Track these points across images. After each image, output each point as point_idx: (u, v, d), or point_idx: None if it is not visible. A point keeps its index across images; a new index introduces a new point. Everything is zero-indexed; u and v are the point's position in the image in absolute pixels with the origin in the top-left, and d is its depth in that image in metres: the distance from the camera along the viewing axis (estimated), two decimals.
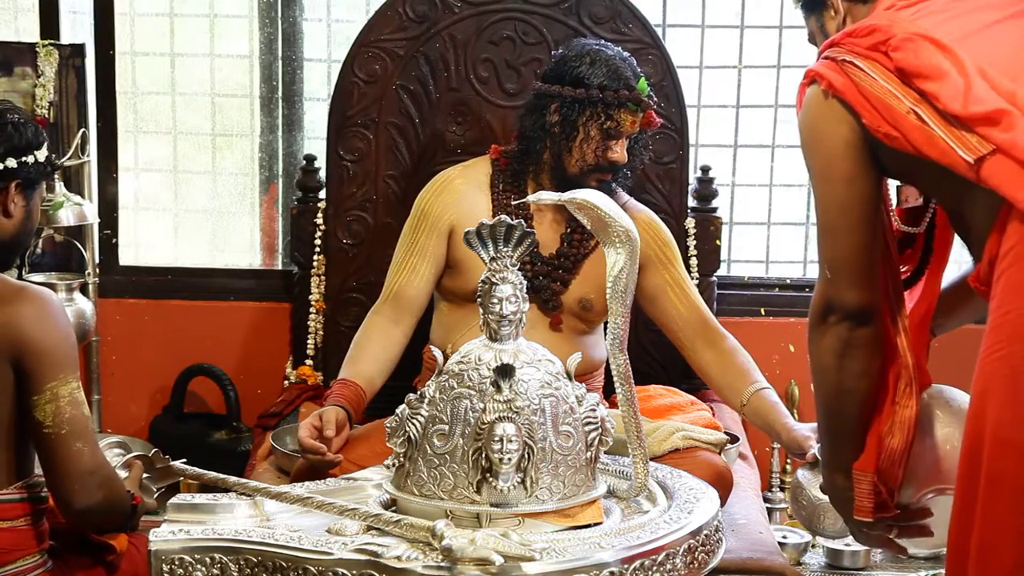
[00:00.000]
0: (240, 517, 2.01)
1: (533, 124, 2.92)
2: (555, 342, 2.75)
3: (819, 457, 2.39)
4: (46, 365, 2.19)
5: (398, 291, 2.92)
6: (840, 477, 2.08)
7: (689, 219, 3.50)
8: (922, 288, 2.15)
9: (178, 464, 2.23)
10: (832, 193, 1.98)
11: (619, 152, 2.86)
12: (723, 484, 2.60)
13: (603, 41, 3.03)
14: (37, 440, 2.22)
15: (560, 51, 2.98)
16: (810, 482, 2.44)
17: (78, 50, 3.73)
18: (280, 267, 4.02)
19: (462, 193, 2.96)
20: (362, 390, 2.77)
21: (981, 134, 1.82)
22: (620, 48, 2.97)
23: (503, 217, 2.02)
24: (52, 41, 3.72)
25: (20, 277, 3.66)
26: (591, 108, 2.84)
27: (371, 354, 2.85)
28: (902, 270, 2.15)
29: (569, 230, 2.94)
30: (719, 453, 2.79)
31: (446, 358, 2.05)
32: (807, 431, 2.63)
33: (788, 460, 3.74)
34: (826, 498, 2.31)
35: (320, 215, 3.52)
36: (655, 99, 2.95)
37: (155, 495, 2.46)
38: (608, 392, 2.73)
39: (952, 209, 2.00)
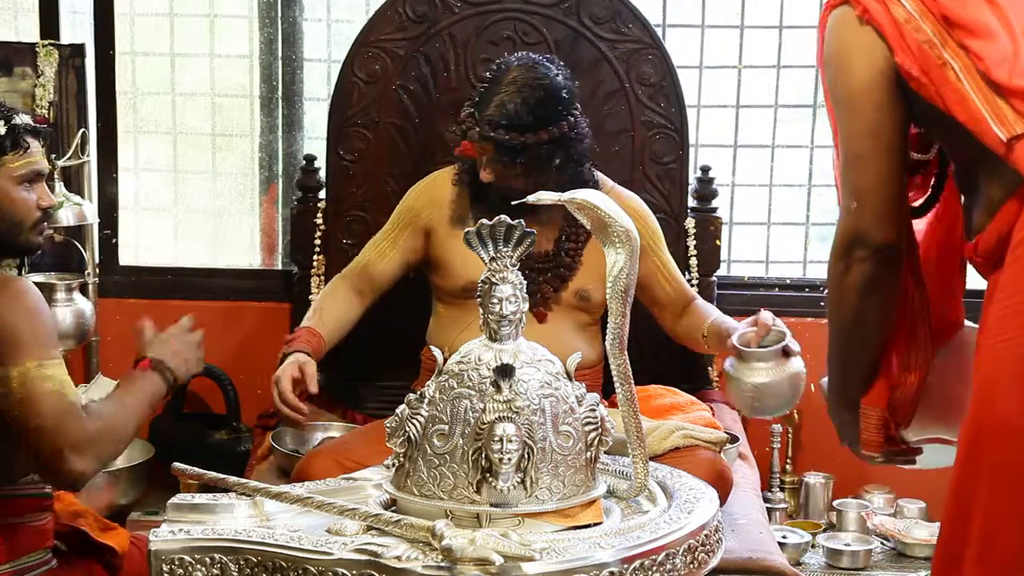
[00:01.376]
0: (240, 517, 2.01)
1: None
2: (553, 337, 2.77)
3: (741, 350, 2.61)
4: (6, 348, 2.16)
5: (365, 266, 3.09)
6: (847, 410, 2.06)
7: (689, 219, 3.50)
8: (940, 213, 2.07)
9: (178, 465, 2.22)
10: (862, 119, 1.89)
11: (483, 174, 2.87)
12: (723, 483, 2.61)
13: (526, 57, 2.93)
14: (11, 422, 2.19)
15: None
16: (745, 369, 2.61)
17: (78, 50, 3.73)
18: (280, 267, 4.02)
19: (445, 195, 3.03)
20: (324, 343, 2.96)
21: (1020, 111, 1.75)
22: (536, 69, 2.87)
23: (503, 217, 2.02)
24: (52, 41, 3.72)
25: (20, 273, 3.66)
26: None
27: (336, 314, 3.03)
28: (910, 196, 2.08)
29: (564, 234, 2.96)
30: (719, 452, 2.79)
31: (446, 358, 2.05)
32: (746, 322, 2.77)
33: (787, 460, 3.74)
34: (764, 379, 2.49)
35: (320, 215, 3.52)
36: (489, 129, 2.80)
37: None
38: (608, 391, 2.73)
39: (964, 168, 1.92)
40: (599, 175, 3.08)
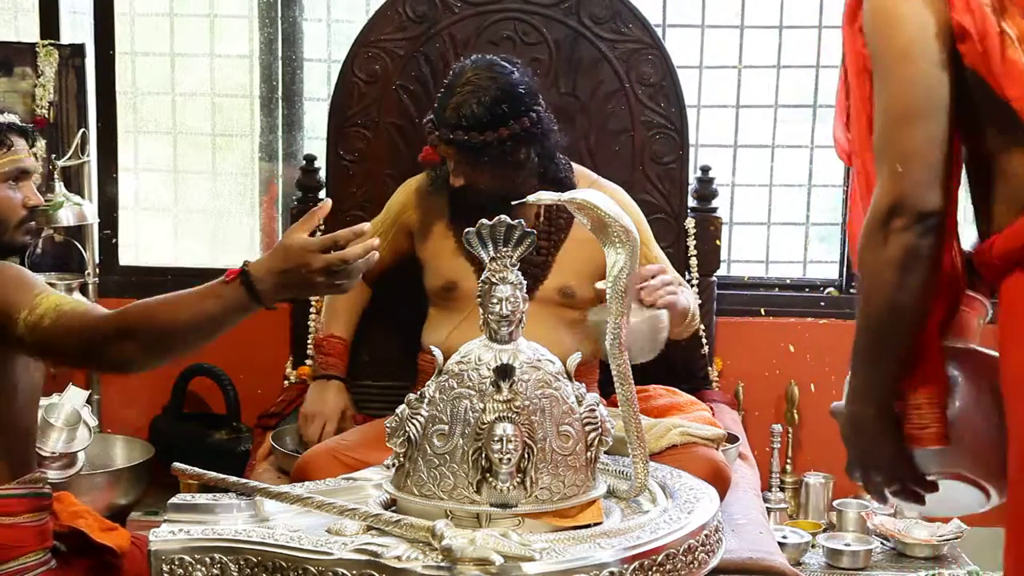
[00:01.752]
0: (240, 517, 2.01)
1: None
2: (533, 334, 2.78)
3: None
4: (8, 305, 2.17)
5: None
6: (872, 406, 1.84)
7: (689, 219, 3.50)
8: None
9: (178, 465, 2.22)
10: (918, 75, 1.72)
11: (452, 178, 2.87)
12: (720, 480, 2.61)
13: (481, 58, 2.90)
14: (46, 349, 2.19)
15: None
16: (604, 311, 2.53)
17: (78, 50, 3.73)
18: None
19: (425, 197, 3.07)
20: (348, 346, 3.15)
21: None
22: (506, 68, 2.85)
23: (503, 217, 2.02)
24: (52, 41, 3.72)
25: None
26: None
27: (350, 306, 3.19)
28: None
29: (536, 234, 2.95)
30: (716, 448, 2.79)
31: (446, 358, 2.05)
32: None
33: (787, 460, 3.74)
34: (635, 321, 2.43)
35: None
36: (450, 135, 2.79)
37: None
38: (605, 389, 2.73)
39: (987, 155, 1.78)
40: (580, 169, 3.08)
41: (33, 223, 2.37)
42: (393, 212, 3.14)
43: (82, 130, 3.66)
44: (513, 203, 2.11)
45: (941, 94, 1.72)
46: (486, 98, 2.79)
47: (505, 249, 2.02)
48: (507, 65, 2.88)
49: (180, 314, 2.16)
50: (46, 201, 3.45)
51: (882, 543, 3.47)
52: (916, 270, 1.73)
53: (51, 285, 3.43)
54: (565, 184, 2.91)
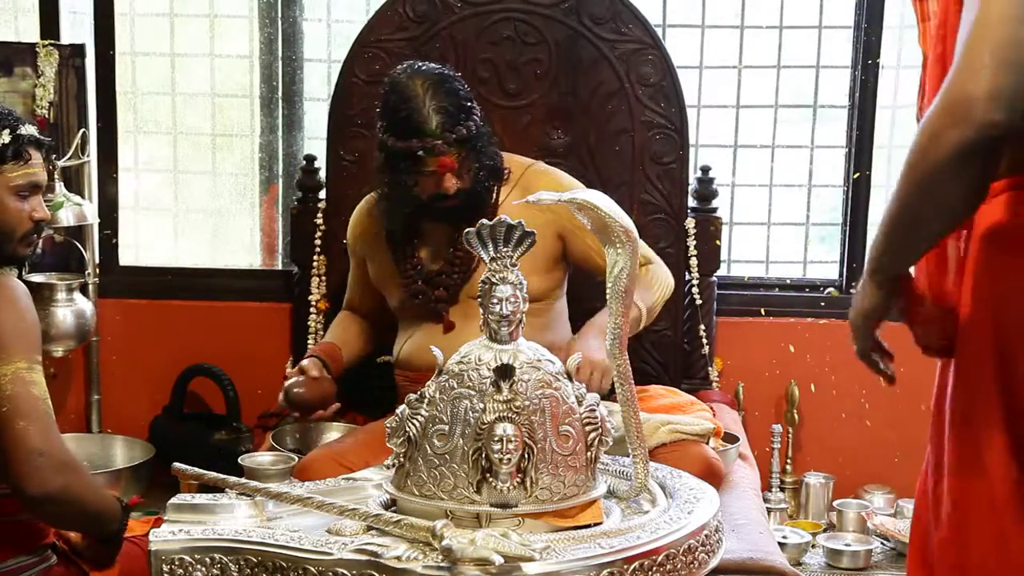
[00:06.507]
0: (240, 517, 2.01)
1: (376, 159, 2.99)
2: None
3: None
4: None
5: (352, 303, 3.23)
6: (872, 271, 1.92)
7: (689, 219, 3.50)
8: None
9: (178, 465, 2.22)
10: None
11: (448, 182, 2.82)
12: (713, 476, 2.62)
13: (417, 69, 2.88)
14: None
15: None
16: None
17: (78, 50, 3.73)
18: (280, 267, 4.02)
19: (366, 225, 3.10)
20: (337, 347, 3.10)
21: None
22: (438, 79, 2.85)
23: (503, 217, 2.02)
24: (52, 41, 3.72)
25: (20, 276, 3.66)
26: (394, 162, 2.85)
27: (344, 327, 3.21)
28: None
29: (452, 249, 2.95)
30: (706, 443, 2.79)
31: (446, 359, 2.05)
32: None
33: (787, 460, 3.74)
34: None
35: (320, 215, 3.52)
36: (452, 136, 2.79)
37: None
38: None
39: None
40: (517, 158, 3.07)
41: (36, 236, 2.37)
42: (350, 252, 3.18)
43: (82, 130, 3.66)
44: (514, 202, 2.11)
45: None
46: (451, 93, 2.82)
47: (505, 249, 2.02)
48: (432, 64, 2.92)
49: (94, 499, 2.29)
50: (46, 201, 3.45)
51: (882, 543, 3.47)
52: (976, 164, 1.59)
53: (51, 285, 3.50)
54: (497, 174, 2.94)
